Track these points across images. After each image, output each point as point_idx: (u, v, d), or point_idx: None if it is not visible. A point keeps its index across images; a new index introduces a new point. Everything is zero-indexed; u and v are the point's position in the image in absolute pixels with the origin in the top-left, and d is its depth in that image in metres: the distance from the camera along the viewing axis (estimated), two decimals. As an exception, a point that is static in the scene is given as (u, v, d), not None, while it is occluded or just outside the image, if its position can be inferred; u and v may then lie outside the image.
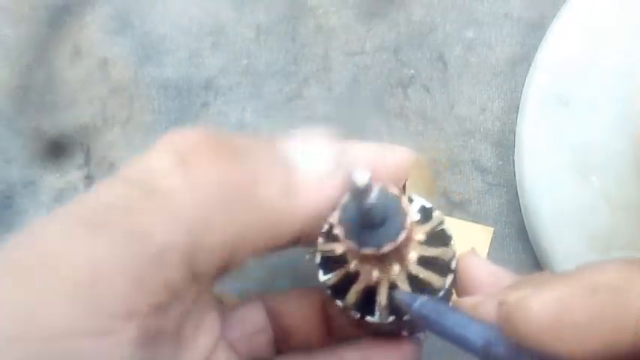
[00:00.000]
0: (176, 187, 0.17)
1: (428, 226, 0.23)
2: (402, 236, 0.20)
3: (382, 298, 0.22)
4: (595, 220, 0.32)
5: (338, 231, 0.21)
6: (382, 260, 0.21)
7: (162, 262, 0.17)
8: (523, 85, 0.36)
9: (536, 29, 0.36)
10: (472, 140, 0.36)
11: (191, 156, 0.17)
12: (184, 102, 0.39)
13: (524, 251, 0.35)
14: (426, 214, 0.24)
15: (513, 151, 0.35)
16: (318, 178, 0.20)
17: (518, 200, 0.34)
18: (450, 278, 0.22)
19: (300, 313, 0.24)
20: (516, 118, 0.35)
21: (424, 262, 0.23)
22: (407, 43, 0.38)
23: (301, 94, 0.38)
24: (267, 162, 0.19)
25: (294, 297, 0.25)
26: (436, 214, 0.24)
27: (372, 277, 0.22)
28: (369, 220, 0.20)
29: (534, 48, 0.35)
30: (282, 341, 0.25)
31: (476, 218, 0.35)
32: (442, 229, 0.23)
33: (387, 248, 0.20)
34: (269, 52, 0.39)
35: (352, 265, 0.22)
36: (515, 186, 0.35)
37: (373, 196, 0.19)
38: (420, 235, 0.23)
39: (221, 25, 0.40)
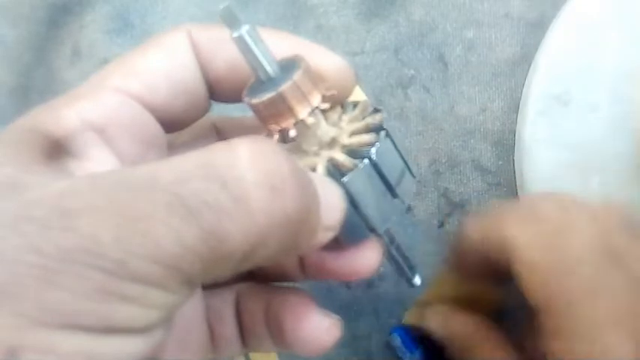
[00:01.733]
0: (263, 204, 0.18)
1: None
2: (284, 86, 0.21)
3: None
4: None
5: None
6: (278, 116, 0.22)
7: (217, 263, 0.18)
8: (523, 85, 0.36)
9: (536, 29, 0.36)
10: (472, 140, 0.36)
11: (280, 183, 0.18)
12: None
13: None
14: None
15: (513, 151, 0.35)
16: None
17: (518, 200, 0.34)
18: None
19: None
20: (516, 118, 0.35)
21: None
22: (407, 43, 0.38)
23: None
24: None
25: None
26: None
27: (271, 132, 0.23)
28: (259, 75, 0.22)
29: (534, 48, 0.35)
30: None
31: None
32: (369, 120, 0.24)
33: (266, 97, 0.22)
34: (269, 52, 0.39)
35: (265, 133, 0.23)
36: (515, 186, 0.35)
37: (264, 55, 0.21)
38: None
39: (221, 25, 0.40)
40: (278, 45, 0.23)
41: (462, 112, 0.37)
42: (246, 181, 0.18)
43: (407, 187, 0.24)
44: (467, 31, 0.37)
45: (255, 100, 0.22)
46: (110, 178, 0.17)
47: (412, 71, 0.38)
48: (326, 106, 0.23)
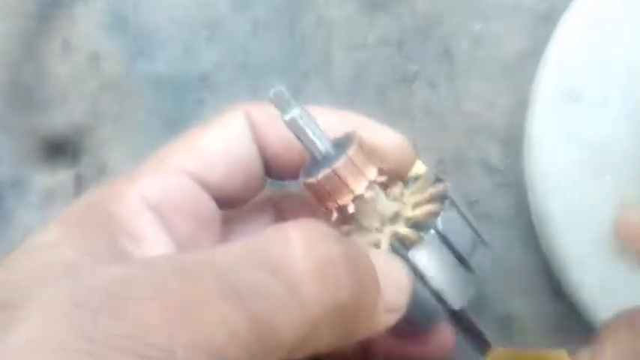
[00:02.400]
0: (314, 293, 0.18)
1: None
2: (339, 162, 0.22)
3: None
4: (608, 221, 0.32)
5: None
6: (335, 193, 0.23)
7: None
8: (532, 81, 0.35)
9: (546, 22, 0.36)
10: (479, 138, 0.36)
11: (333, 270, 0.19)
12: (178, 98, 0.39)
13: (534, 254, 0.35)
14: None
15: (522, 149, 0.35)
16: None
17: (527, 200, 0.34)
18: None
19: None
20: (525, 114, 0.35)
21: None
22: (411, 36, 0.37)
23: (301, 90, 0.38)
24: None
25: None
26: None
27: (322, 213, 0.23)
28: (314, 155, 0.23)
29: (544, 41, 0.35)
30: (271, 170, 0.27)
31: (483, 219, 0.35)
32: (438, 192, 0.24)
33: (321, 175, 0.22)
34: (267, 46, 0.39)
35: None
36: (524, 185, 0.34)
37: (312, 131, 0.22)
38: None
39: (217, 18, 0.39)
40: (334, 122, 0.24)
41: (469, 108, 0.36)
42: (297, 270, 0.18)
43: (481, 258, 0.24)
44: (474, 24, 0.37)
45: (310, 180, 0.23)
46: (163, 265, 0.18)
47: (417, 66, 0.37)
48: (383, 179, 0.23)
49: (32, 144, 0.39)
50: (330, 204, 0.23)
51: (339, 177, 0.22)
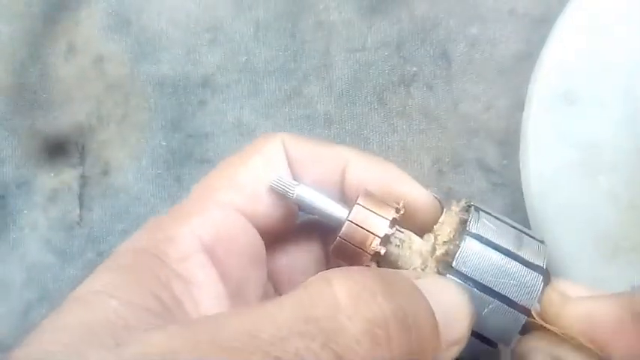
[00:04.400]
0: (367, 358, 0.17)
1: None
2: (352, 212, 0.23)
3: None
4: (603, 221, 0.32)
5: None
6: (362, 244, 0.23)
7: None
8: (528, 83, 0.35)
9: (541, 25, 0.36)
10: (476, 139, 0.36)
11: (382, 331, 0.18)
12: (181, 100, 0.39)
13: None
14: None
15: (518, 151, 0.35)
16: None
17: (524, 200, 0.34)
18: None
19: None
20: (521, 116, 0.35)
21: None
22: (409, 39, 0.37)
23: (301, 91, 0.38)
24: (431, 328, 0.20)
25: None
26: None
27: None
28: (330, 223, 0.24)
29: (540, 44, 0.35)
30: None
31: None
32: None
33: (342, 231, 0.23)
34: (268, 48, 0.39)
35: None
36: (520, 186, 0.34)
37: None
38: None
39: (219, 21, 0.39)
40: (369, 173, 0.25)
41: (466, 110, 0.36)
42: (347, 337, 0.17)
43: (533, 247, 0.23)
44: (471, 27, 0.37)
45: (334, 244, 0.23)
46: (207, 332, 0.17)
47: (415, 68, 0.37)
48: (402, 213, 0.23)
49: (37, 145, 0.39)
50: (364, 258, 0.23)
51: (358, 225, 0.23)
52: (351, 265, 0.23)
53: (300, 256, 0.27)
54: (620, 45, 0.33)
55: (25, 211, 0.38)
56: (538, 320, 0.22)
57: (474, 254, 0.22)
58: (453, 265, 0.22)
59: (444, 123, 0.36)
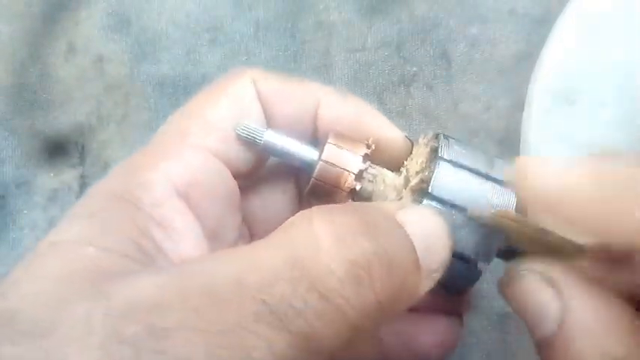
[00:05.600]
0: (352, 299, 0.18)
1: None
2: (325, 152, 0.23)
3: None
4: None
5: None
6: (337, 181, 0.23)
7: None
8: (528, 83, 0.35)
9: (541, 25, 0.36)
10: (476, 139, 0.36)
11: (364, 271, 0.18)
12: (181, 100, 0.38)
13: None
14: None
15: (518, 150, 0.35)
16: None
17: None
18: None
19: None
20: (521, 116, 0.35)
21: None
22: (409, 39, 0.38)
23: None
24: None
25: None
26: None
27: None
28: (302, 166, 0.24)
29: (540, 45, 0.35)
30: None
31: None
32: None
33: (316, 171, 0.23)
34: (268, 48, 0.39)
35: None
36: (520, 186, 0.34)
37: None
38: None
39: (219, 21, 0.39)
40: (341, 110, 0.25)
41: (466, 110, 0.36)
42: (332, 280, 0.17)
43: (502, 166, 0.23)
44: (471, 28, 0.37)
45: (309, 185, 0.23)
46: (196, 281, 0.17)
47: (415, 68, 0.37)
48: (372, 149, 0.24)
49: (37, 145, 0.39)
50: (339, 196, 0.23)
51: (332, 164, 0.23)
52: (327, 203, 0.23)
53: (273, 197, 0.27)
54: (619, 45, 0.33)
55: (25, 211, 0.38)
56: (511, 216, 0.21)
57: (447, 177, 0.22)
58: (429, 191, 0.22)
59: (444, 123, 0.36)
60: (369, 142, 0.24)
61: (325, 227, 0.18)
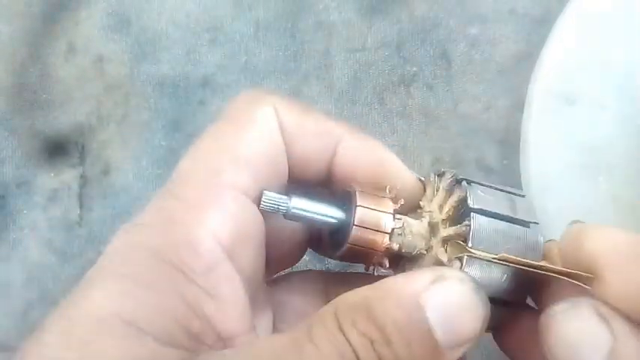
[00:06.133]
0: None
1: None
2: (356, 217, 0.22)
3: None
4: (602, 221, 0.31)
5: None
6: (368, 250, 0.23)
7: None
8: (528, 83, 0.35)
9: (541, 25, 0.36)
10: (476, 139, 0.36)
11: None
12: (181, 100, 0.39)
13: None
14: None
15: (518, 151, 0.35)
16: None
17: None
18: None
19: (302, 300, 0.25)
20: (522, 116, 0.35)
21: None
22: (409, 39, 0.38)
23: (301, 91, 0.38)
24: None
25: (297, 282, 0.26)
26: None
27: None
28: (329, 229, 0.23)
29: (540, 45, 0.35)
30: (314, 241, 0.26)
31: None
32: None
33: (351, 238, 0.22)
34: (268, 48, 0.39)
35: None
36: (520, 186, 0.34)
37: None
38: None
39: (219, 21, 0.39)
40: (359, 154, 0.24)
41: (466, 110, 0.36)
42: None
43: (523, 205, 0.23)
44: (471, 28, 0.37)
45: (340, 251, 0.23)
46: None
47: (415, 68, 0.37)
48: (401, 203, 0.23)
49: (37, 145, 0.39)
50: (375, 257, 0.22)
51: (365, 228, 0.22)
52: (360, 262, 0.23)
53: (286, 237, 0.26)
54: (618, 45, 0.33)
55: (25, 211, 0.38)
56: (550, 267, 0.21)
57: (484, 230, 0.22)
58: (469, 247, 0.21)
59: (444, 123, 0.36)
60: (390, 193, 0.23)
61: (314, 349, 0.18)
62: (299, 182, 0.24)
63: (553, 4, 0.36)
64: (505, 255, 0.21)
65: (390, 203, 0.23)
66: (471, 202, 0.22)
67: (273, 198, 0.22)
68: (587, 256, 0.20)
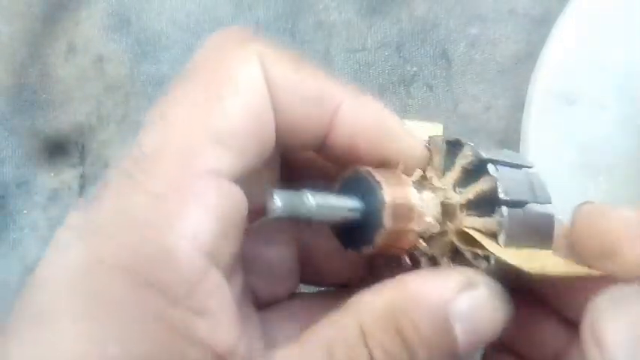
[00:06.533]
0: None
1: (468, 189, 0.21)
2: (385, 217, 0.19)
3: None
4: None
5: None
6: (393, 247, 0.20)
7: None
8: (528, 83, 0.35)
9: (541, 26, 0.36)
10: (476, 139, 0.35)
11: None
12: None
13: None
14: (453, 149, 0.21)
15: (518, 151, 0.35)
16: None
17: None
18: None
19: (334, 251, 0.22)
20: (522, 116, 0.35)
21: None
22: (409, 39, 0.38)
23: None
24: None
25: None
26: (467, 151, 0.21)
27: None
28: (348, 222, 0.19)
29: (540, 45, 0.35)
30: (307, 273, 0.23)
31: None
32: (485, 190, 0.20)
33: (378, 240, 0.19)
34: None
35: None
36: (520, 186, 0.34)
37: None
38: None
39: (219, 21, 0.39)
40: (362, 121, 0.20)
41: (466, 110, 0.36)
42: None
43: (538, 184, 0.21)
44: (471, 28, 0.37)
45: (368, 249, 0.19)
46: None
47: (415, 68, 0.37)
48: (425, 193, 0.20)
49: (37, 145, 0.39)
50: (398, 253, 0.20)
51: (398, 213, 0.19)
52: (394, 253, 0.21)
53: (275, 267, 0.23)
54: (618, 46, 0.33)
55: (25, 211, 0.38)
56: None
57: (515, 226, 0.19)
58: (501, 244, 0.19)
59: (444, 123, 0.36)
60: (401, 167, 0.20)
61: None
62: (286, 153, 0.21)
63: (553, 4, 0.36)
64: (544, 270, 0.19)
65: (404, 177, 0.20)
66: (502, 194, 0.19)
67: (287, 198, 0.18)
68: (603, 232, 0.19)
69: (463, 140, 0.21)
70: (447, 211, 0.20)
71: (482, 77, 0.36)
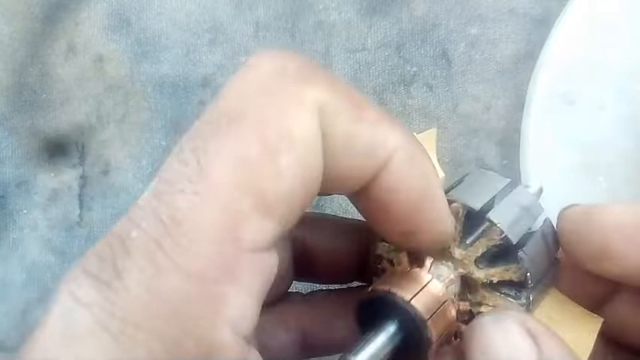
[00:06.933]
0: None
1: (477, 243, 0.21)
2: (432, 340, 0.19)
3: None
4: None
5: None
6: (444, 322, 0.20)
7: None
8: (528, 83, 0.35)
9: (541, 25, 0.36)
10: (476, 139, 0.36)
11: None
12: (181, 100, 0.39)
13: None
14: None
15: (518, 151, 0.35)
16: None
17: None
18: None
19: (332, 246, 0.22)
20: (522, 116, 0.35)
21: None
22: (409, 39, 0.37)
23: None
24: None
25: (330, 227, 0.23)
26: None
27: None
28: None
29: (540, 45, 0.35)
30: (300, 268, 0.23)
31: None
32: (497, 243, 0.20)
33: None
34: (268, 48, 0.39)
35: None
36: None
37: None
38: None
39: (219, 21, 0.39)
40: (408, 181, 0.18)
41: (466, 110, 0.36)
42: None
43: (534, 203, 0.22)
44: (471, 28, 0.37)
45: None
46: None
47: (415, 68, 0.37)
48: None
49: (37, 145, 0.39)
50: (452, 328, 0.20)
51: (436, 322, 0.19)
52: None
53: None
54: (619, 46, 0.33)
55: (25, 211, 0.38)
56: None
57: (533, 274, 0.20)
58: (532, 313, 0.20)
59: (444, 123, 0.36)
60: (428, 242, 0.20)
61: None
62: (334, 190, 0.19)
63: (553, 4, 0.36)
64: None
65: (420, 273, 0.20)
66: (530, 283, 0.20)
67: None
68: (598, 232, 0.19)
69: (487, 216, 0.20)
70: (467, 282, 0.21)
71: (482, 77, 0.36)
